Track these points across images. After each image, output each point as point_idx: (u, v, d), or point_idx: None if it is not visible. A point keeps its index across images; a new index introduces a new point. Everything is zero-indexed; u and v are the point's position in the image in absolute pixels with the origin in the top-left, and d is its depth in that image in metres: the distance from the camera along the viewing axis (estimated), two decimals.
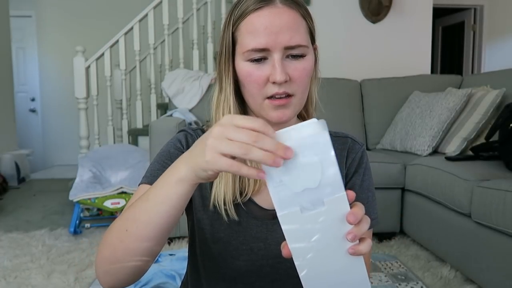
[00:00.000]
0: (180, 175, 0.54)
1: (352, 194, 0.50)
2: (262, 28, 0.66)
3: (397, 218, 2.29)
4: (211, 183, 0.74)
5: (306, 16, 0.71)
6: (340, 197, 0.49)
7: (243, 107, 0.76)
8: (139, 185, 0.74)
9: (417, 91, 2.77)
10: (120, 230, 0.59)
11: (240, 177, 0.72)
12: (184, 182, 0.54)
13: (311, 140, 0.47)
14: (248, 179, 0.73)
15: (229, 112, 0.73)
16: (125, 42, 3.27)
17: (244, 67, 0.69)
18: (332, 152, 0.47)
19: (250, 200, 0.74)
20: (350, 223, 0.49)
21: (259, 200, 0.75)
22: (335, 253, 0.51)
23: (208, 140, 0.48)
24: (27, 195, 3.63)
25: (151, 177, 0.72)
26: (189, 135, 0.78)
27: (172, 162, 0.73)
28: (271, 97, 0.69)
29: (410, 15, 3.44)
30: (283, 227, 0.50)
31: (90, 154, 2.83)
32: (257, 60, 0.68)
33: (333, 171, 0.47)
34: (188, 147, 0.76)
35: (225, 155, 0.47)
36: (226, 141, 0.47)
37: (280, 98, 0.68)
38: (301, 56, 0.69)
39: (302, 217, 0.49)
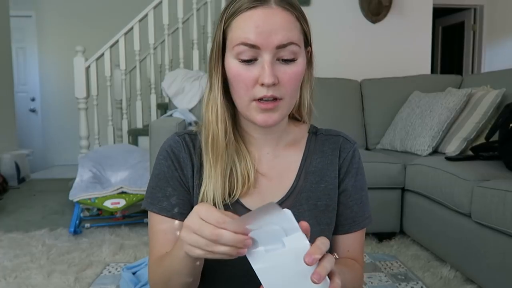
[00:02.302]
0: (183, 254, 0.60)
1: (306, 227, 0.53)
2: (254, 26, 0.66)
3: (397, 218, 2.29)
4: (199, 184, 0.75)
5: (301, 19, 0.70)
6: (297, 236, 0.51)
7: (232, 106, 0.75)
8: (146, 210, 0.77)
9: (417, 91, 2.77)
10: (162, 283, 0.71)
11: (229, 178, 0.73)
12: (188, 258, 0.60)
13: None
14: (237, 180, 0.74)
15: (217, 112, 0.73)
16: (125, 42, 3.27)
17: (233, 65, 0.69)
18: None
19: (238, 201, 0.74)
20: (308, 264, 0.50)
21: (247, 202, 0.75)
22: None
23: (181, 233, 0.56)
24: (27, 195, 3.63)
25: (158, 206, 0.75)
26: (174, 145, 0.78)
27: (170, 184, 0.76)
28: (259, 99, 0.68)
29: (410, 15, 3.44)
30: (253, 266, 0.53)
31: (90, 154, 2.83)
32: (247, 61, 0.67)
33: (286, 217, 0.50)
34: (177, 159, 0.76)
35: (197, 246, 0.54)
36: (194, 236, 0.53)
37: (268, 101, 0.68)
38: (292, 60, 0.68)
39: (267, 256, 0.53)
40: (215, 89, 0.73)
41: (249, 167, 0.74)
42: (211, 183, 0.72)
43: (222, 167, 0.72)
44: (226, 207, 0.73)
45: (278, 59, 0.67)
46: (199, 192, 0.74)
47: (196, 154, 0.77)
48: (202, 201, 0.73)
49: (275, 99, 0.68)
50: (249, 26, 0.66)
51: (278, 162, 0.78)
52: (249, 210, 0.75)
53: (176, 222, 0.74)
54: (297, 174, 0.78)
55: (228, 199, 0.73)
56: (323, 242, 0.52)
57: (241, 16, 0.67)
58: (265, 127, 0.71)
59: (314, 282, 0.50)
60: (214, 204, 0.72)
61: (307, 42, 0.73)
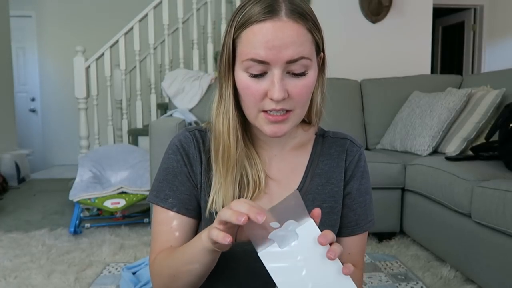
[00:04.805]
0: (203, 244, 0.62)
1: (317, 212, 0.56)
2: (264, 41, 0.63)
3: (397, 218, 2.29)
4: (207, 187, 0.75)
5: (313, 30, 0.67)
6: (308, 224, 0.54)
7: (242, 116, 0.74)
8: (150, 202, 0.77)
9: (417, 91, 2.77)
10: (169, 276, 0.71)
11: (239, 183, 0.73)
12: (206, 251, 0.62)
13: None
14: (248, 185, 0.74)
15: (228, 123, 0.71)
16: (125, 42, 3.27)
17: (242, 78, 0.67)
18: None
19: None
20: (322, 244, 0.53)
21: None
22: (323, 279, 0.54)
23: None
24: (27, 195, 3.63)
25: (165, 200, 0.75)
26: (184, 140, 0.78)
27: (178, 179, 0.76)
28: (267, 111, 0.68)
29: (410, 15, 3.44)
30: (266, 264, 0.54)
31: (90, 154, 2.83)
32: (256, 76, 0.66)
33: (295, 202, 0.53)
34: (187, 155, 0.77)
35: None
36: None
37: (277, 114, 0.67)
38: (303, 74, 0.66)
39: (281, 251, 0.54)
40: (226, 100, 0.71)
41: (260, 172, 0.75)
42: (221, 192, 0.72)
43: (232, 176, 0.72)
44: None
45: (288, 72, 0.66)
46: (207, 194, 0.74)
47: (205, 151, 0.77)
48: (211, 208, 0.73)
49: (286, 111, 0.68)
50: (258, 41, 0.64)
51: (285, 164, 0.79)
52: None
53: (181, 218, 0.75)
54: (303, 176, 0.78)
55: None
56: (330, 231, 0.56)
57: (250, 28, 0.65)
58: (274, 138, 0.71)
59: (330, 258, 0.53)
60: None
61: (319, 49, 0.71)
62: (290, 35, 0.64)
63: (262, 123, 0.69)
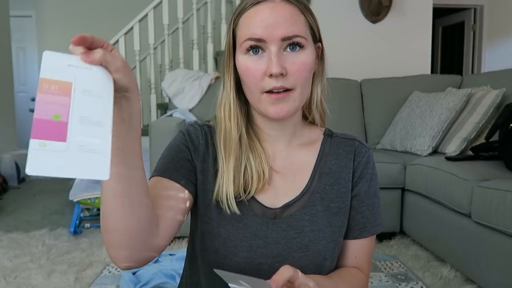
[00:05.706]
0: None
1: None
2: (259, 20, 0.68)
3: (397, 218, 2.29)
4: (214, 178, 0.75)
5: (305, 12, 0.71)
6: None
7: (246, 105, 0.77)
8: (149, 178, 0.75)
9: (417, 91, 2.77)
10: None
11: (244, 174, 0.74)
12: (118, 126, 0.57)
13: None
14: (252, 177, 0.74)
15: (229, 108, 0.75)
16: (125, 42, 3.27)
17: (242, 61, 0.70)
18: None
19: (253, 198, 0.75)
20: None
21: (262, 198, 0.76)
22: None
23: None
24: (27, 195, 3.63)
25: (161, 170, 0.73)
26: (192, 130, 0.79)
27: (181, 154, 0.75)
28: (269, 91, 0.69)
29: (410, 15, 3.44)
30: None
31: None
32: (254, 51, 0.69)
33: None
34: (192, 141, 0.77)
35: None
36: None
37: (278, 92, 0.69)
38: (299, 46, 0.69)
39: None
40: (227, 87, 0.75)
41: (264, 164, 0.75)
42: (224, 179, 0.73)
43: (234, 163, 0.73)
44: (242, 204, 0.74)
45: (285, 49, 0.69)
46: (214, 185, 0.74)
47: (213, 144, 0.77)
48: (217, 197, 0.73)
49: (286, 90, 0.69)
50: (254, 21, 0.68)
51: (292, 161, 0.79)
52: (264, 206, 0.75)
53: (178, 185, 0.72)
54: (311, 174, 0.78)
55: (243, 196, 0.73)
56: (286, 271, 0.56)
57: (246, 13, 0.70)
58: (277, 119, 0.72)
59: None
60: (228, 200, 0.72)
61: (316, 37, 0.74)
62: (283, 14, 0.68)
63: (265, 105, 0.70)
